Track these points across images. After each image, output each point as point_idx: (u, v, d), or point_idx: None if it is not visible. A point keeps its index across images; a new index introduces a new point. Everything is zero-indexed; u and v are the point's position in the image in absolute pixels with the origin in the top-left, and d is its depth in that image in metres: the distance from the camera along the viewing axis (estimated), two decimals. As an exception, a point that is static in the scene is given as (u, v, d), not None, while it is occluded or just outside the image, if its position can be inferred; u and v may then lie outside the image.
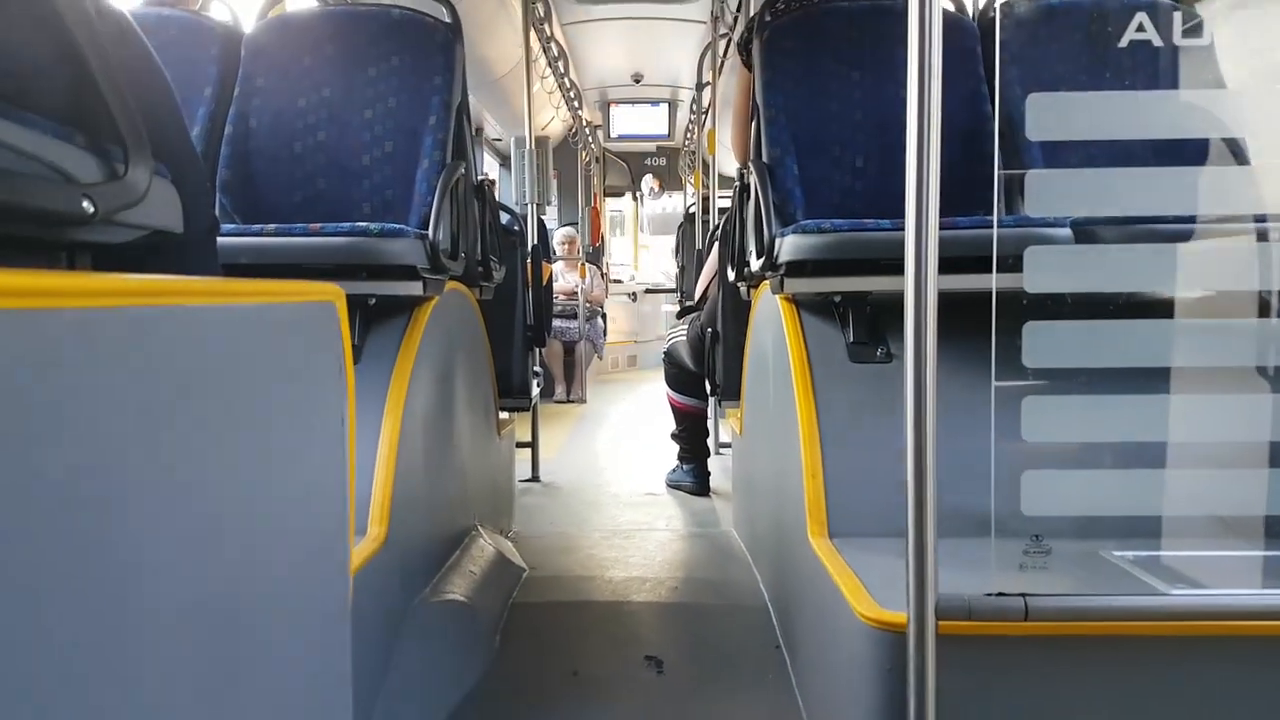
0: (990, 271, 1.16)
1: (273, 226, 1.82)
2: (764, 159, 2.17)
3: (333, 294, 0.96)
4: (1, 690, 0.47)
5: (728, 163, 4.84)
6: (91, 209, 0.79)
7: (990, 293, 1.15)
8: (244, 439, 0.75)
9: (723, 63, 4.53)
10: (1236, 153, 1.87)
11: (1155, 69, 1.28)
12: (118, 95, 0.86)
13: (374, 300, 1.87)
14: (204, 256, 1.23)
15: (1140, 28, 1.28)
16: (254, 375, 0.78)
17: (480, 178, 2.54)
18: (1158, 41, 1.27)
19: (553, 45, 4.87)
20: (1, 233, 0.74)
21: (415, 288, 1.89)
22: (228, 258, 1.66)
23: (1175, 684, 1.20)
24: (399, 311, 1.93)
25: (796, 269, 1.86)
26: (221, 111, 2.22)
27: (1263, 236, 1.27)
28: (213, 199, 2.10)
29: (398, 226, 1.86)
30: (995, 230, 1.17)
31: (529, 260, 3.34)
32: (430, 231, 1.93)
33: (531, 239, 3.46)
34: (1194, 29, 1.35)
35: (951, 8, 2.22)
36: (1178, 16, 1.27)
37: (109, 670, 0.57)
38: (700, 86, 5.59)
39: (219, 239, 1.60)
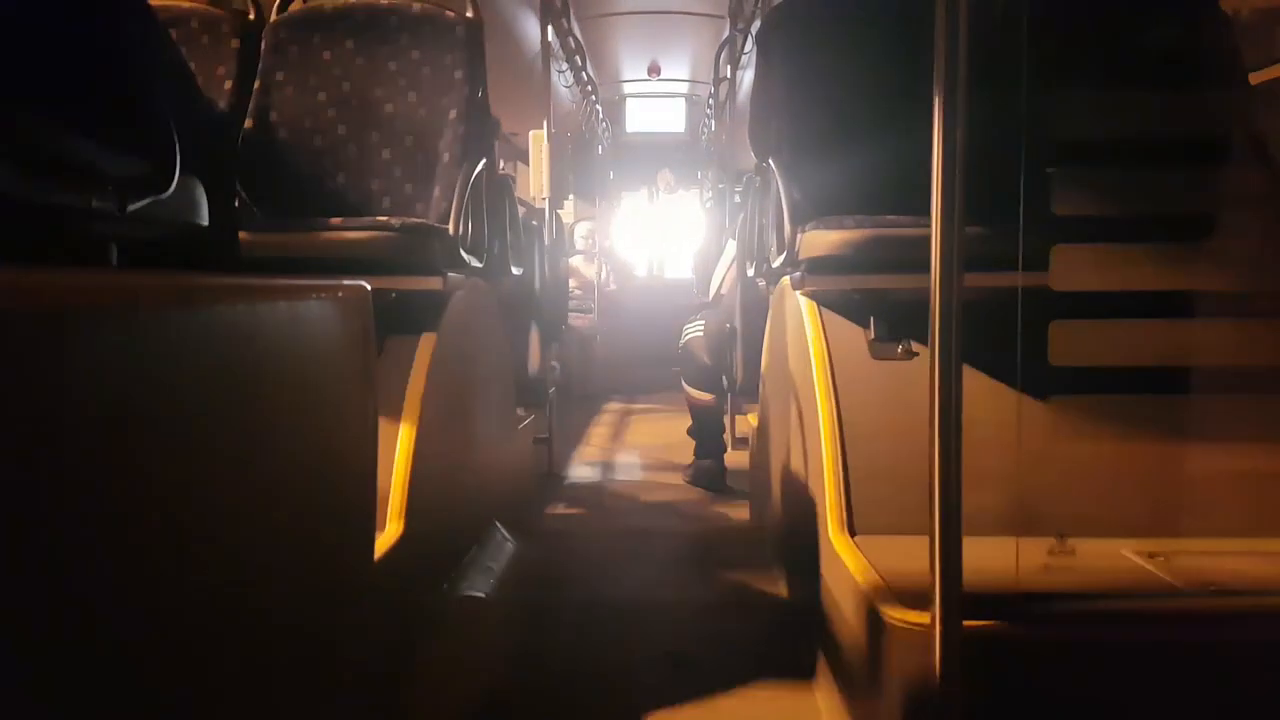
0: (1015, 269, 1.15)
1: (293, 221, 1.82)
2: (784, 154, 2.16)
3: (359, 291, 0.96)
4: (21, 673, 0.47)
5: (744, 158, 4.83)
6: (120, 204, 0.79)
7: (1015, 291, 1.14)
8: (271, 434, 0.76)
9: (740, 57, 4.51)
10: (1261, 152, 1.85)
11: (1182, 67, 1.27)
12: (145, 91, 0.86)
13: (394, 295, 1.87)
14: (227, 250, 1.24)
15: (1168, 27, 1.27)
16: (282, 371, 0.78)
17: (500, 173, 2.54)
18: (1186, 39, 1.26)
19: (570, 39, 4.86)
20: (31, 227, 0.74)
21: (435, 283, 1.89)
22: (248, 251, 1.67)
23: (1201, 686, 1.19)
24: (419, 306, 1.93)
25: (817, 265, 1.85)
26: (242, 105, 2.22)
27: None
28: (234, 193, 2.11)
29: (418, 222, 1.86)
30: (1021, 227, 1.16)
31: (547, 255, 3.34)
32: (450, 227, 1.93)
33: (549, 234, 3.46)
34: (1222, 29, 1.34)
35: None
36: (1206, 14, 1.26)
37: (133, 656, 0.57)
38: (718, 81, 5.57)
39: (240, 233, 1.60)
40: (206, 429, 0.64)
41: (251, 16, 2.39)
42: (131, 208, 0.83)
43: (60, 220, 0.75)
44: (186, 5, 2.29)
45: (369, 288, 0.99)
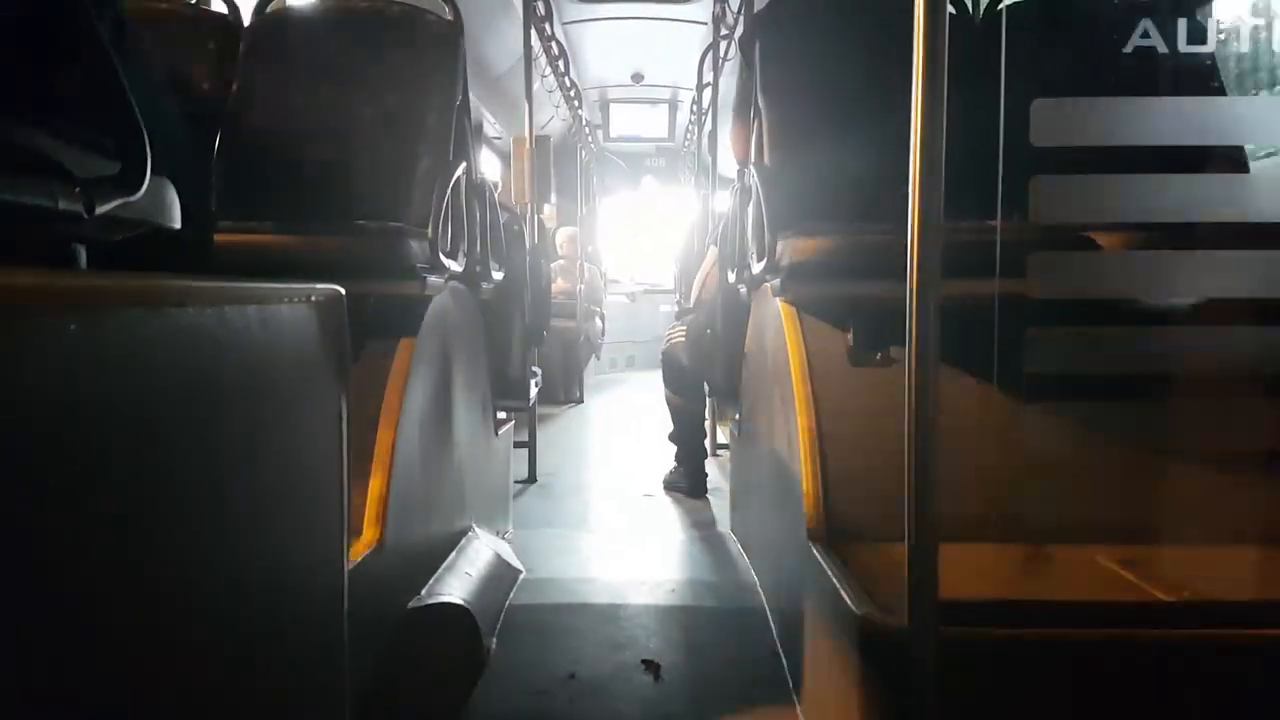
0: (992, 276, 1.16)
1: (270, 224, 1.81)
2: (765, 160, 2.16)
3: (333, 295, 0.95)
4: None
5: (727, 164, 4.83)
6: (88, 205, 0.78)
7: (992, 297, 1.14)
8: (241, 440, 0.75)
9: (724, 63, 4.52)
10: (1237, 159, 1.86)
11: (1160, 74, 1.27)
12: (116, 92, 0.85)
13: (373, 299, 1.86)
14: (201, 253, 1.23)
15: (1145, 34, 1.28)
16: (253, 375, 0.77)
17: (480, 177, 2.53)
18: (1163, 48, 1.26)
19: (553, 44, 4.85)
20: (-2, 229, 0.73)
21: (414, 287, 1.88)
22: (224, 255, 1.65)
23: (1174, 688, 1.20)
24: (398, 310, 1.92)
25: (797, 271, 1.85)
26: (219, 107, 2.20)
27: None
28: (210, 196, 2.09)
29: (397, 225, 1.85)
30: (998, 234, 1.16)
31: (528, 260, 3.33)
32: (430, 230, 1.92)
33: (531, 238, 3.45)
34: (1198, 36, 1.35)
35: (954, 10, 2.21)
36: (1183, 23, 1.27)
37: (103, 667, 0.56)
38: (701, 87, 5.58)
39: (216, 236, 1.58)
40: (172, 435, 0.63)
41: (230, 18, 2.37)
42: (100, 209, 0.81)
43: (25, 221, 0.73)
44: (164, 6, 2.27)
45: (343, 292, 0.98)
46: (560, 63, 5.30)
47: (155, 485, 0.62)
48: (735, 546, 2.82)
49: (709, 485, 3.69)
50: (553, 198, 7.53)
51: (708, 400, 3.69)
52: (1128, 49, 1.28)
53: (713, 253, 3.50)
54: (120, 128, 0.86)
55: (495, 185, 2.82)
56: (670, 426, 3.81)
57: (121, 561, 0.58)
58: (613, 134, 8.35)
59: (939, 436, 1.10)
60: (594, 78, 7.26)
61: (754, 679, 1.81)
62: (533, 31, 3.84)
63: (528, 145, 3.69)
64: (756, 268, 2.11)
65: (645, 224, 10.12)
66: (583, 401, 6.61)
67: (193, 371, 0.67)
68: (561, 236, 7.14)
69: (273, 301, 0.83)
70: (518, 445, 3.48)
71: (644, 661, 1.87)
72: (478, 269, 2.44)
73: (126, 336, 0.59)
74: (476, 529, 2.37)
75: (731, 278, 2.69)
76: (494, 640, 1.97)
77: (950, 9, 1.13)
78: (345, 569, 1.02)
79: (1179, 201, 1.24)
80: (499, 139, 7.19)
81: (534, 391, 3.45)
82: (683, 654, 1.93)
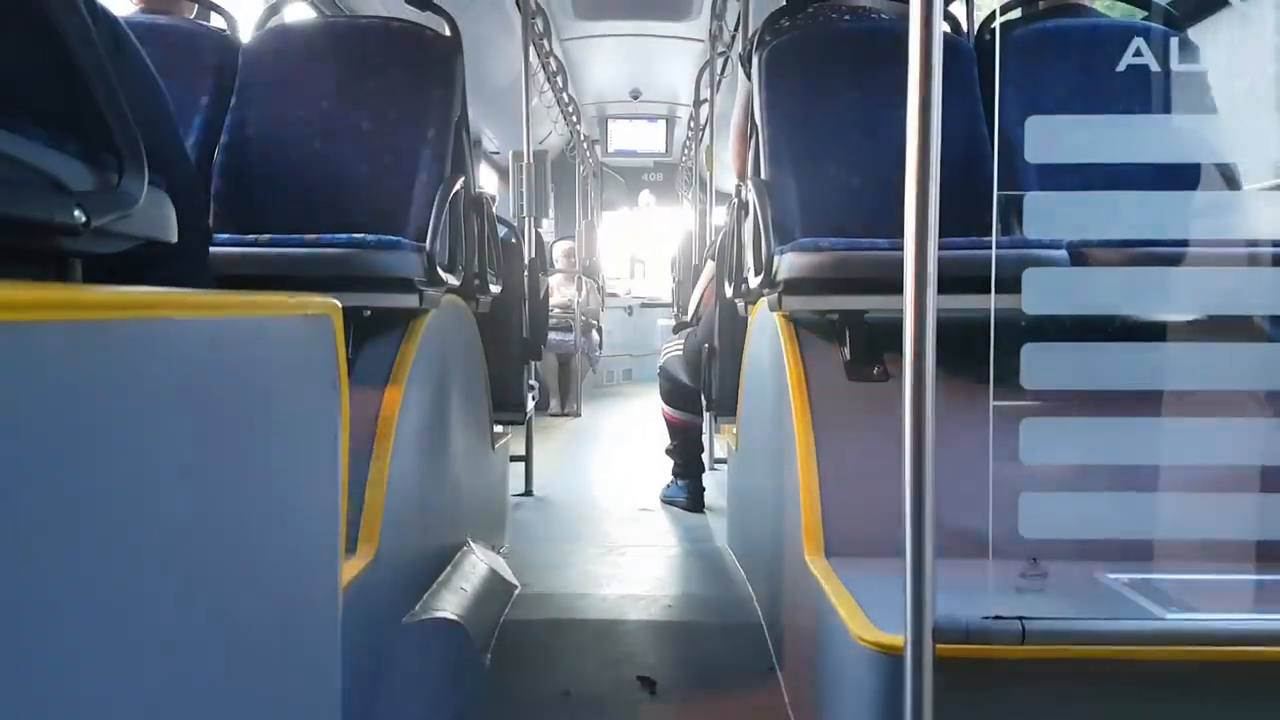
0: (988, 292, 1.16)
1: (267, 237, 1.81)
2: (763, 176, 2.16)
3: (329, 307, 0.95)
4: None
5: (724, 179, 4.85)
6: (84, 219, 0.78)
7: (988, 313, 1.14)
8: (235, 453, 0.74)
9: (721, 80, 4.55)
10: (1229, 176, 1.87)
11: (1152, 93, 1.28)
12: (112, 104, 0.85)
13: (369, 312, 1.86)
14: (197, 267, 1.22)
15: (1138, 52, 1.28)
16: (247, 389, 0.77)
17: (478, 191, 2.54)
18: (1155, 66, 1.27)
19: (551, 60, 4.88)
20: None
21: (411, 300, 1.88)
22: (221, 268, 1.65)
23: (1172, 708, 1.19)
24: (394, 324, 1.92)
25: (795, 286, 1.85)
26: (218, 121, 2.21)
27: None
28: (207, 209, 2.09)
29: (395, 238, 1.85)
30: (994, 251, 1.17)
31: (526, 273, 3.34)
32: (428, 244, 1.93)
33: (529, 252, 3.46)
34: (1189, 54, 1.36)
35: (948, 30, 2.23)
36: (1174, 41, 1.28)
37: (96, 687, 0.56)
38: (698, 103, 5.61)
39: (213, 249, 1.58)
40: (166, 449, 0.63)
41: (230, 33, 2.38)
42: (97, 223, 0.81)
43: (21, 234, 0.73)
44: (164, 21, 2.28)
45: (339, 304, 0.97)
46: (559, 79, 5.33)
47: (149, 499, 0.61)
48: (732, 561, 2.81)
49: (706, 500, 3.69)
50: (551, 212, 7.56)
51: (705, 414, 3.69)
52: (1121, 67, 1.28)
53: (710, 267, 3.51)
54: (117, 141, 0.86)
55: (493, 199, 2.82)
56: (667, 440, 3.81)
57: (112, 576, 0.57)
58: (611, 149, 8.39)
59: (936, 452, 1.10)
60: (592, 93, 7.29)
61: (750, 695, 1.81)
62: (531, 48, 3.86)
63: (526, 160, 3.70)
64: (754, 282, 2.12)
65: (643, 238, 10.16)
66: (580, 415, 6.60)
67: (188, 385, 0.67)
68: (559, 250, 7.15)
69: (269, 314, 0.83)
70: (514, 459, 3.48)
71: (640, 678, 1.86)
72: (475, 282, 2.44)
73: (121, 349, 0.59)
74: (472, 543, 2.36)
75: (729, 292, 2.69)
76: (488, 656, 1.96)
77: (945, 28, 1.14)
78: (339, 584, 1.01)
79: (1173, 218, 1.25)
80: (497, 154, 7.22)
81: (531, 405, 3.45)
82: (679, 670, 1.92)
